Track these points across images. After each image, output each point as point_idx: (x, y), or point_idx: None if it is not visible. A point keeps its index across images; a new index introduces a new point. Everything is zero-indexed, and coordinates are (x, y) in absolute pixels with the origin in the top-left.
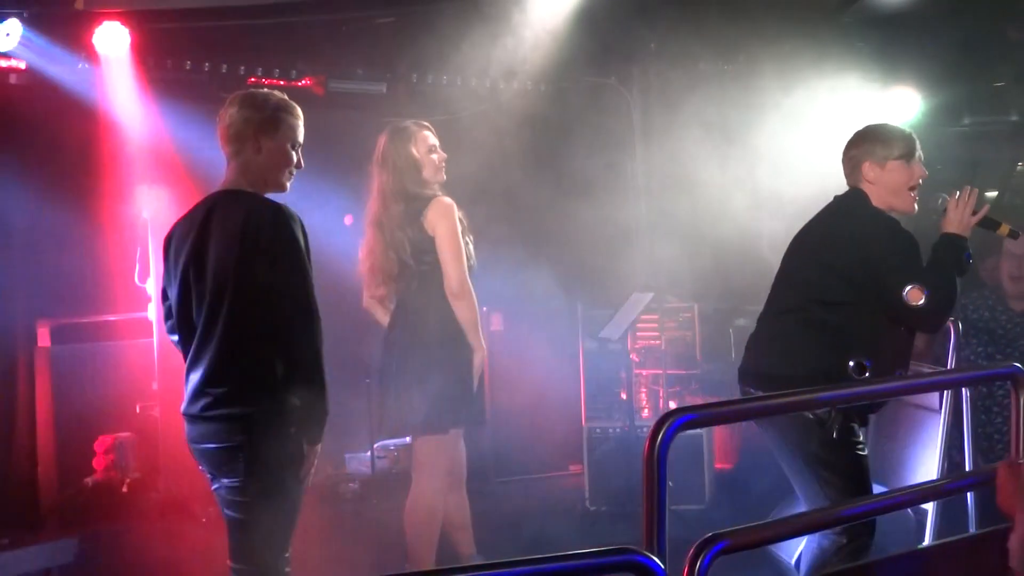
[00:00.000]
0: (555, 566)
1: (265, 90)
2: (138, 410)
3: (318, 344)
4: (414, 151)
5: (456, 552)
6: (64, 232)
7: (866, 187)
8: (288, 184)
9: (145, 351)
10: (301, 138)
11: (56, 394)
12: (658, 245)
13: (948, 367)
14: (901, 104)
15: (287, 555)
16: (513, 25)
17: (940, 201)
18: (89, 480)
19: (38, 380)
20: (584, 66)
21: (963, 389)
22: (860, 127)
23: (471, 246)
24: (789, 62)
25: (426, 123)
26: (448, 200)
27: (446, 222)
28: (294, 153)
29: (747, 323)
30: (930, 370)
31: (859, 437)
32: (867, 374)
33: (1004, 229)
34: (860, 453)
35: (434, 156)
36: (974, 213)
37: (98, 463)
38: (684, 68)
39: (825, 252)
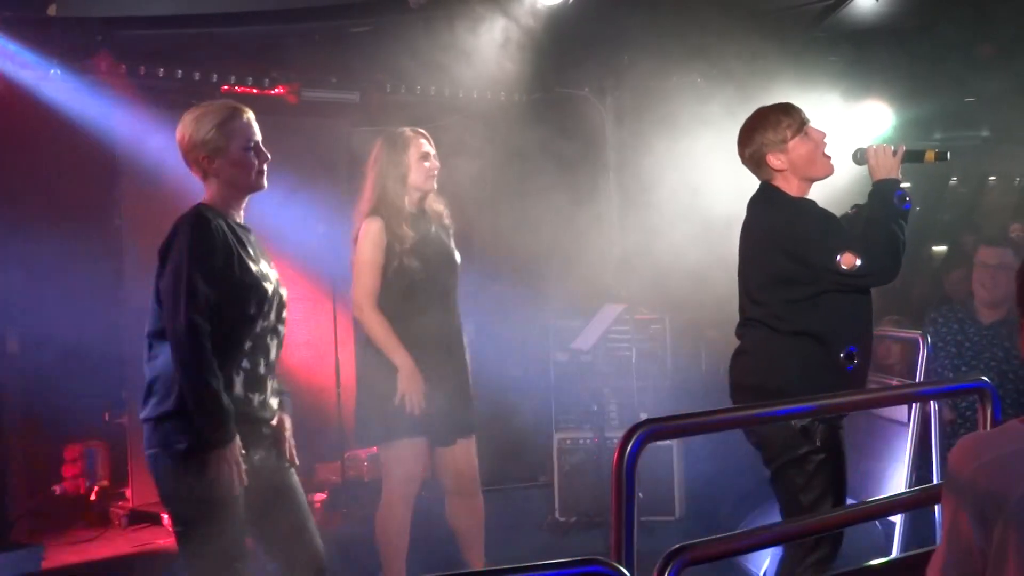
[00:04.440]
0: None
1: (200, 108)
2: (107, 418)
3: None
4: (404, 157)
5: (462, 558)
6: (35, 239)
7: (779, 178)
8: (262, 181)
9: (114, 359)
10: (255, 136)
11: (24, 401)
12: (630, 257)
13: (917, 380)
14: (873, 118)
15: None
16: (486, 36)
17: (859, 155)
18: (57, 488)
19: (6, 387)
20: (558, 77)
21: (931, 402)
22: (744, 123)
23: (415, 265)
24: (762, 75)
25: (423, 131)
26: (375, 224)
27: (361, 243)
28: (251, 153)
29: (718, 335)
30: (899, 383)
31: (843, 446)
32: (855, 360)
33: (930, 155)
34: (842, 463)
35: (426, 164)
36: (894, 154)
37: (66, 471)
38: (657, 81)
39: (760, 261)
